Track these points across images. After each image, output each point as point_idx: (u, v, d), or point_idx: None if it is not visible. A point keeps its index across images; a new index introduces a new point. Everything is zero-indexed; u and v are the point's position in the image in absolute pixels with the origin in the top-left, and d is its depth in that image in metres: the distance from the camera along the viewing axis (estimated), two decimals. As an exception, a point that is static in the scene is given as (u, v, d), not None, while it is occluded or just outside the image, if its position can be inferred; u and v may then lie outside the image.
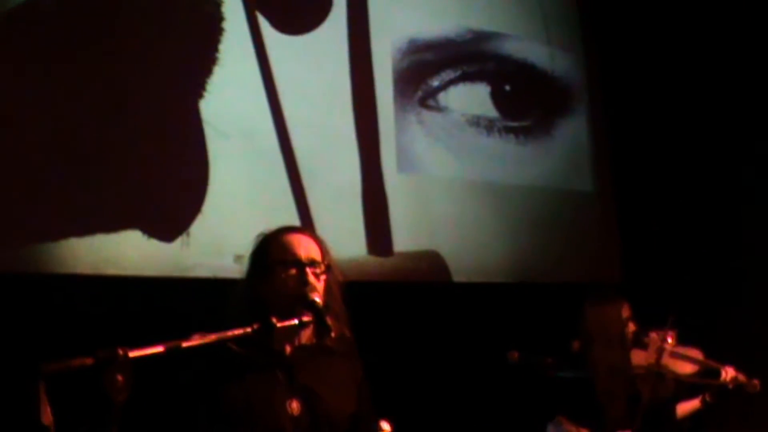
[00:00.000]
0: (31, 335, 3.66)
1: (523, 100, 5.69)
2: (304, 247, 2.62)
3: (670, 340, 4.05)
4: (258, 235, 2.70)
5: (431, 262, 5.07)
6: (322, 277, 2.62)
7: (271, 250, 2.63)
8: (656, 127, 5.97)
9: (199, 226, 4.31)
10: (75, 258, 4.02)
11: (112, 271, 4.08)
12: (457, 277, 5.16)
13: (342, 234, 4.64)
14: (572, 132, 5.93)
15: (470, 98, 5.43)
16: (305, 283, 2.55)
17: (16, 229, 3.91)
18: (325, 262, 2.65)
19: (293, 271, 2.57)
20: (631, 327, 4.17)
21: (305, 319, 2.49)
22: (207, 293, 3.98)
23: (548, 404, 3.99)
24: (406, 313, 4.76)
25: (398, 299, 4.79)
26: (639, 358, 4.06)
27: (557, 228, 5.65)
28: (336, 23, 4.99)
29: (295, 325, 2.48)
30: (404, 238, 4.99)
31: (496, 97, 5.51)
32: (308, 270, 2.58)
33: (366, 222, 4.86)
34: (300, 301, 2.50)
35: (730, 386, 4.06)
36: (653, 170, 5.98)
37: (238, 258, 3.90)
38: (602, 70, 6.15)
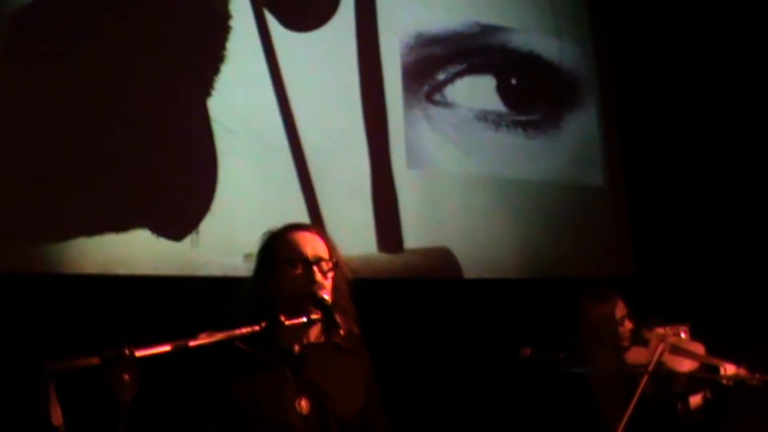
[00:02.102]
0: (39, 335, 3.65)
1: (531, 93, 5.67)
2: (311, 245, 2.61)
3: (683, 335, 4.02)
4: (264, 233, 2.70)
5: (442, 258, 5.05)
6: (330, 275, 2.61)
7: (278, 248, 2.62)
8: (667, 120, 5.94)
9: (208, 225, 4.31)
10: (84, 257, 4.01)
11: (121, 270, 4.08)
12: (468, 274, 5.14)
13: (352, 230, 4.63)
14: (582, 125, 5.90)
15: (477, 92, 5.41)
16: (313, 280, 2.54)
17: (25, 228, 3.91)
18: (333, 260, 2.64)
19: (300, 269, 2.57)
20: (628, 325, 4.15)
21: (313, 316, 2.49)
22: (217, 292, 3.96)
23: (559, 400, 3.98)
24: (417, 309, 4.74)
25: (409, 296, 4.78)
26: (639, 355, 4.03)
27: (568, 223, 5.62)
28: (344, 19, 4.98)
29: (303, 322, 2.48)
30: (414, 235, 4.97)
31: (503, 91, 5.48)
32: (315, 268, 2.57)
33: (376, 218, 4.85)
34: (308, 299, 2.50)
35: (728, 383, 4.01)
36: (664, 164, 5.95)
37: (247, 256, 3.87)
38: (612, 63, 6.12)
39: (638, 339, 4.08)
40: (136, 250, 4.14)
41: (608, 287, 4.29)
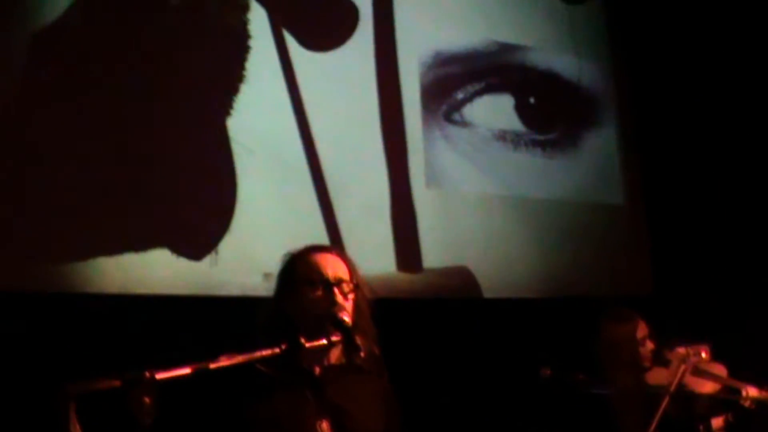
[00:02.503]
0: (59, 355, 3.66)
1: (549, 112, 5.66)
2: (332, 266, 2.61)
3: (704, 355, 3.98)
4: (285, 255, 2.70)
5: (461, 277, 5.04)
6: (350, 296, 2.61)
7: (299, 269, 2.62)
8: (687, 137, 5.92)
9: (227, 244, 4.31)
10: (104, 277, 4.02)
11: (140, 290, 4.08)
12: (488, 293, 5.13)
13: (371, 250, 4.62)
14: (601, 144, 5.89)
15: (495, 112, 5.40)
16: (333, 302, 2.54)
17: (45, 248, 3.92)
18: (353, 281, 2.63)
19: (321, 291, 2.56)
20: (649, 345, 4.11)
21: (334, 339, 2.48)
22: (236, 311, 3.98)
23: (579, 422, 3.95)
24: (437, 329, 4.73)
25: (428, 315, 4.77)
26: (660, 376, 4.00)
27: (587, 241, 5.60)
28: (362, 39, 4.98)
29: (323, 345, 2.47)
30: (433, 254, 4.96)
31: (522, 110, 5.48)
32: (336, 289, 2.57)
33: (395, 238, 4.84)
34: (328, 321, 2.49)
35: (750, 406, 3.97)
36: (683, 181, 5.92)
37: (266, 276, 3.88)
38: (631, 80, 6.11)
39: (659, 359, 4.05)
40: (155, 270, 4.15)
41: (629, 307, 4.26)
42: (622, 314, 4.19)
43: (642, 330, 4.14)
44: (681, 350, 3.94)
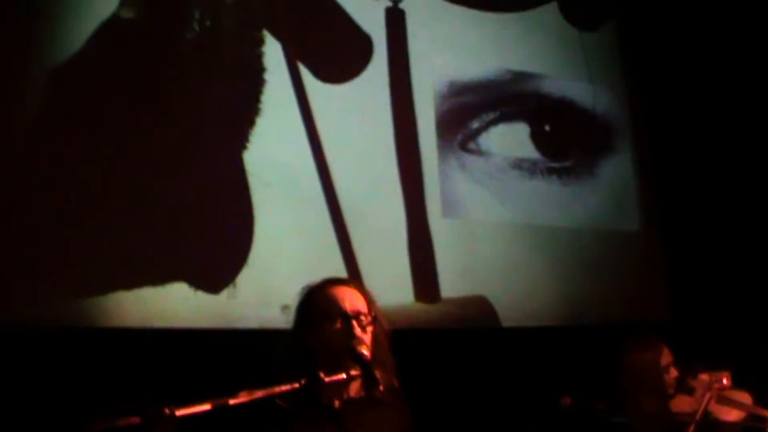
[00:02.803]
0: (79, 390, 3.67)
1: (565, 140, 5.65)
2: (350, 299, 2.62)
3: (725, 381, 3.94)
4: (303, 288, 2.71)
5: (479, 307, 5.02)
6: (369, 329, 2.61)
7: (317, 303, 2.63)
8: (702, 162, 5.90)
9: (245, 277, 4.32)
10: (123, 311, 4.04)
11: (159, 323, 4.09)
12: (506, 322, 5.10)
13: (388, 281, 4.62)
14: (617, 170, 5.87)
15: (511, 140, 5.40)
16: (352, 335, 2.54)
17: (65, 283, 3.94)
18: (372, 313, 2.64)
19: (339, 324, 2.57)
20: (674, 373, 4.06)
21: (353, 373, 2.48)
22: (254, 344, 3.97)
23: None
24: (455, 359, 4.71)
25: (446, 346, 4.75)
26: (684, 404, 3.96)
27: (605, 268, 5.58)
28: (377, 70, 5.01)
29: (343, 379, 2.47)
30: (451, 284, 4.94)
31: (537, 138, 5.48)
32: (354, 322, 2.58)
33: (412, 268, 4.83)
34: (348, 355, 2.49)
35: None
36: (700, 206, 5.90)
37: (284, 308, 3.88)
38: (646, 106, 6.10)
39: (683, 387, 4.00)
40: (174, 304, 4.15)
41: (653, 333, 4.23)
42: (646, 341, 4.14)
43: (666, 357, 4.09)
44: (704, 377, 3.91)
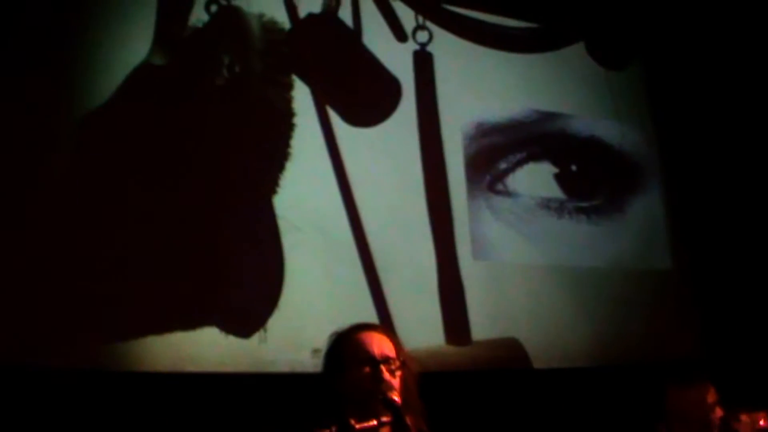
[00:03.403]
0: (111, 434, 3.69)
1: (593, 179, 5.63)
2: (377, 344, 2.63)
3: (762, 423, 3.89)
4: (331, 335, 2.72)
5: (510, 349, 4.99)
6: (398, 373, 2.62)
7: (345, 348, 2.64)
8: (733, 199, 5.87)
9: (276, 321, 4.33)
10: (154, 356, 4.06)
11: (190, 368, 4.10)
12: (537, 364, 5.06)
13: (419, 324, 4.61)
14: (646, 208, 5.84)
15: (538, 180, 5.40)
16: (380, 380, 2.55)
17: (97, 327, 3.97)
18: (400, 358, 2.64)
19: (368, 369, 2.57)
20: (718, 412, 4.00)
21: (384, 419, 2.48)
22: (285, 388, 3.99)
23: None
24: (487, 402, 4.68)
25: (478, 388, 4.73)
26: None
27: (636, 308, 5.52)
28: (405, 113, 5.03)
29: (374, 425, 2.47)
30: (482, 326, 4.92)
31: (564, 178, 5.47)
32: (383, 367, 2.58)
33: (443, 311, 4.81)
34: (378, 401, 2.49)
35: None
36: (731, 244, 5.85)
37: (315, 352, 3.89)
38: (674, 144, 6.08)
39: (727, 427, 3.94)
40: (204, 348, 4.17)
41: (698, 371, 4.17)
42: (692, 377, 4.08)
43: (712, 395, 4.01)
44: (745, 417, 3.86)
